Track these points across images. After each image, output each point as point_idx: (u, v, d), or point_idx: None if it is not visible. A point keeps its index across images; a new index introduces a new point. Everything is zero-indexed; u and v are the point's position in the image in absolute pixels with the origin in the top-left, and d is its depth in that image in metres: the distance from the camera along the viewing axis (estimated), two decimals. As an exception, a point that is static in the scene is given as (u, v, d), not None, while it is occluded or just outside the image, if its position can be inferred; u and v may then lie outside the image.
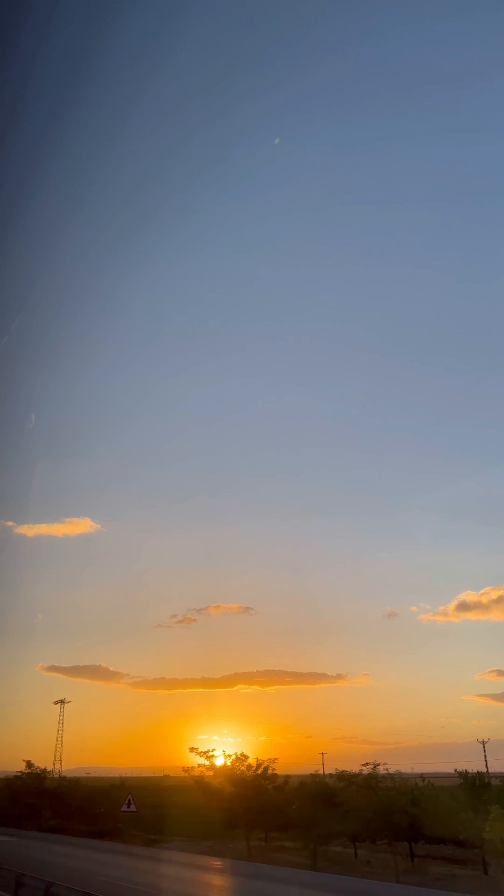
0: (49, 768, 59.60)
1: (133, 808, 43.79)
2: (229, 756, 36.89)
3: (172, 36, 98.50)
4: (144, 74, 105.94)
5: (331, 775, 37.88)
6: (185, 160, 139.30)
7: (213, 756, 36.96)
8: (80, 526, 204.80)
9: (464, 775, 30.00)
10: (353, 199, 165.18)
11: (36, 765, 55.66)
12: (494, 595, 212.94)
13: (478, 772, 31.23)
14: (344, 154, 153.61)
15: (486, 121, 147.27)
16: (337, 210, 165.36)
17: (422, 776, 38.03)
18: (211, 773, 37.61)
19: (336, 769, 35.49)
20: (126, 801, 43.43)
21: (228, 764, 36.79)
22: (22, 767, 55.45)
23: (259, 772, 35.93)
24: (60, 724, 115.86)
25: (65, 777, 67.24)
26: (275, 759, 36.60)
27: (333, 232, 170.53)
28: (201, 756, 37.19)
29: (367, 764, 32.47)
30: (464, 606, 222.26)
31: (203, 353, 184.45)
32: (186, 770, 39.37)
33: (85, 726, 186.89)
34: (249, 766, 36.21)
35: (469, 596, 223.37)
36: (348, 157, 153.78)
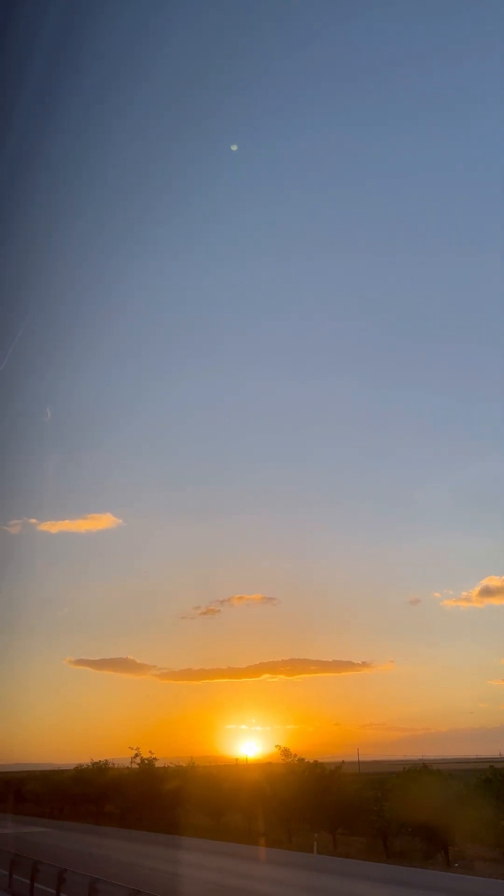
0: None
1: None
2: None
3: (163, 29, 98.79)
4: (138, 66, 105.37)
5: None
6: (185, 152, 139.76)
7: None
8: (102, 521, 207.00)
9: None
10: (352, 182, 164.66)
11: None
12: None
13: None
14: (342, 139, 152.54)
15: (484, 100, 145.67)
16: (336, 193, 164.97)
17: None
18: None
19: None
20: None
21: None
22: (51, 759, 50.62)
23: None
24: None
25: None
26: None
27: (334, 215, 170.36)
28: None
29: None
30: (487, 591, 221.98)
31: (221, 339, 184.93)
32: None
33: (114, 718, 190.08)
34: None
35: (493, 581, 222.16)
36: (346, 141, 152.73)
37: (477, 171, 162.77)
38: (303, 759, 35.95)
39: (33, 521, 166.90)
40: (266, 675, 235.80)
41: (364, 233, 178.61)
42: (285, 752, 36.88)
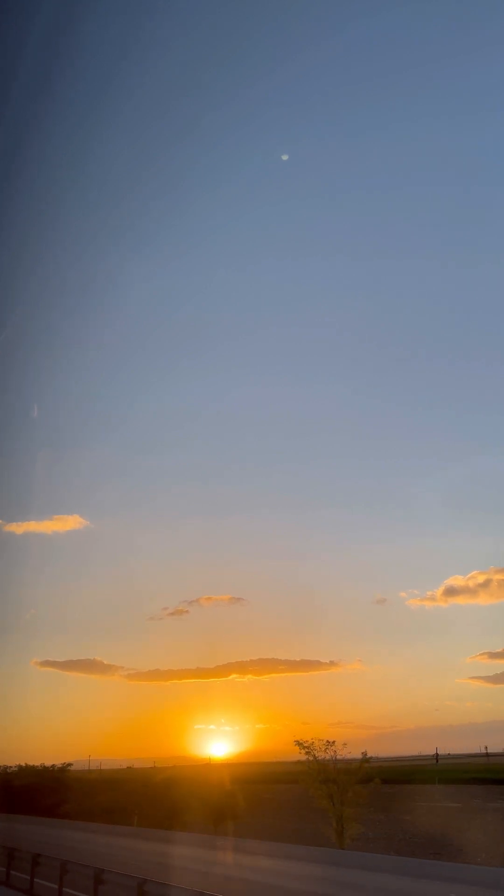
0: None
1: None
2: None
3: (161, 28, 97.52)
4: (139, 65, 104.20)
5: None
6: (183, 151, 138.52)
7: None
8: (69, 523, 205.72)
9: None
10: (353, 187, 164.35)
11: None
12: (481, 579, 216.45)
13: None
14: (342, 142, 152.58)
15: (490, 100, 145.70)
16: (337, 199, 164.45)
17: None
18: None
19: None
20: None
21: None
22: (17, 761, 59.47)
23: None
24: None
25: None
26: None
27: (333, 220, 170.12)
28: None
29: None
30: (451, 591, 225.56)
31: (202, 343, 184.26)
32: None
33: (83, 719, 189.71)
34: None
35: (457, 580, 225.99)
36: (347, 145, 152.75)
37: (479, 177, 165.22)
38: None
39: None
40: (234, 675, 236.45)
41: (364, 237, 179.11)
42: None
